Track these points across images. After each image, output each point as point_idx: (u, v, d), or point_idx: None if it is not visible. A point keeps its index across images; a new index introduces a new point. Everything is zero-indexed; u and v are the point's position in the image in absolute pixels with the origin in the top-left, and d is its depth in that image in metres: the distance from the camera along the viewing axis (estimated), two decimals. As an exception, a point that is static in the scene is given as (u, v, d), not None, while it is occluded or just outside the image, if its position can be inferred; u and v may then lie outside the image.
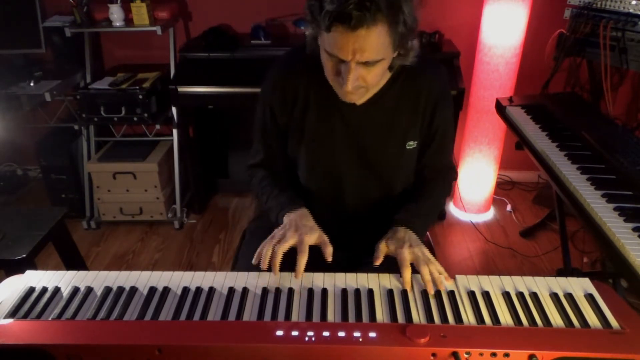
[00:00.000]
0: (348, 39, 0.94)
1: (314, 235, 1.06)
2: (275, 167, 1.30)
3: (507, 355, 0.81)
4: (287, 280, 1.02)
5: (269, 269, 1.02)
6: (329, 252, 1.05)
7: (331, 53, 0.99)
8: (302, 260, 1.01)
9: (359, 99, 1.13)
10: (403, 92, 1.17)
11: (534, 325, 0.89)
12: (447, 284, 1.00)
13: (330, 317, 0.92)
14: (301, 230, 1.06)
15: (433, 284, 0.99)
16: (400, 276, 1.01)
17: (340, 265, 1.06)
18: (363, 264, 1.05)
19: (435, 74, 1.20)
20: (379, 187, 1.27)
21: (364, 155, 1.22)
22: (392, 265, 1.05)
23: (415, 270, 1.02)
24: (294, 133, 1.23)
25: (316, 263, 1.04)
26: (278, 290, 0.98)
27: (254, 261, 1.04)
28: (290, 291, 0.98)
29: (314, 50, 1.06)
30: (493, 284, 1.00)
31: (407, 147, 1.22)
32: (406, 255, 1.04)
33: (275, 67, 1.22)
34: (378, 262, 1.06)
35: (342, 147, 1.20)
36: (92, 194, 2.69)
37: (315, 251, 1.21)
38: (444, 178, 1.31)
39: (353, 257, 1.21)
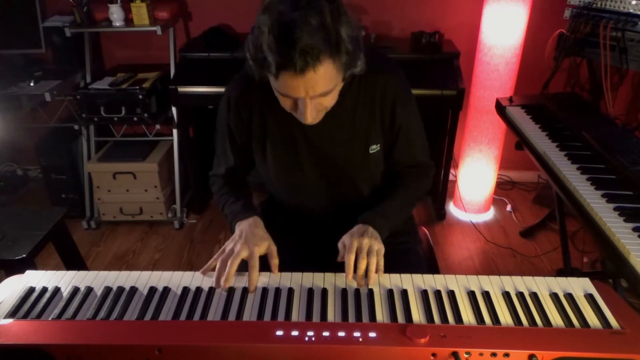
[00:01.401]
0: (297, 81, 0.95)
1: (263, 245, 1.07)
2: (237, 176, 1.31)
3: (507, 355, 0.82)
4: (287, 280, 1.02)
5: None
6: (274, 264, 1.06)
7: (284, 94, 1.01)
8: (254, 275, 1.01)
9: (319, 119, 1.11)
10: (358, 96, 1.15)
11: (534, 325, 0.89)
12: (448, 285, 1.00)
13: (330, 317, 0.92)
14: (250, 242, 1.06)
15: (365, 282, 1.00)
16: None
17: (316, 268, 1.06)
18: (337, 268, 1.05)
19: (389, 72, 1.17)
20: (347, 191, 1.27)
21: (328, 164, 1.22)
22: (392, 265, 1.05)
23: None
24: (256, 149, 1.24)
25: (314, 264, 1.05)
26: (278, 290, 0.98)
27: (201, 272, 1.04)
28: (290, 291, 0.98)
29: (262, 79, 1.05)
30: (493, 284, 1.00)
31: (370, 152, 1.21)
32: (353, 244, 1.04)
33: (229, 89, 1.21)
34: (340, 259, 1.06)
35: (306, 158, 1.20)
36: (92, 194, 2.69)
37: (313, 254, 1.21)
38: (416, 175, 1.28)
39: (327, 260, 1.21)
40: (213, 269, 1.03)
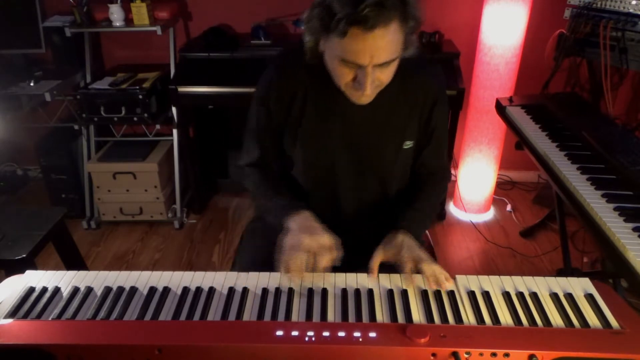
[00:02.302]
0: (365, 42, 0.93)
1: (326, 237, 1.07)
2: (269, 166, 1.30)
3: (507, 355, 0.82)
4: (287, 280, 1.01)
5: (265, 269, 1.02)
6: (335, 258, 1.05)
7: (347, 60, 0.98)
8: (324, 260, 1.02)
9: (372, 99, 1.11)
10: (400, 90, 1.16)
11: (534, 325, 0.89)
12: (447, 285, 1.00)
13: (330, 317, 0.92)
14: (315, 235, 1.06)
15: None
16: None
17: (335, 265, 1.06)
18: (358, 264, 1.05)
19: (433, 73, 1.20)
20: (374, 186, 1.27)
21: (361, 155, 1.22)
22: (392, 265, 1.05)
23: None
24: (291, 132, 1.22)
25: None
26: (278, 290, 0.98)
27: (284, 271, 1.02)
28: (290, 291, 0.98)
29: (314, 58, 1.06)
30: (493, 284, 1.00)
31: (404, 147, 1.22)
32: (405, 259, 1.04)
33: (272, 67, 1.21)
34: (374, 275, 1.04)
35: (339, 147, 1.20)
36: (92, 194, 2.69)
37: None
38: (439, 180, 1.31)
39: (347, 257, 1.21)
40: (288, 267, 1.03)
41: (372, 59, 0.96)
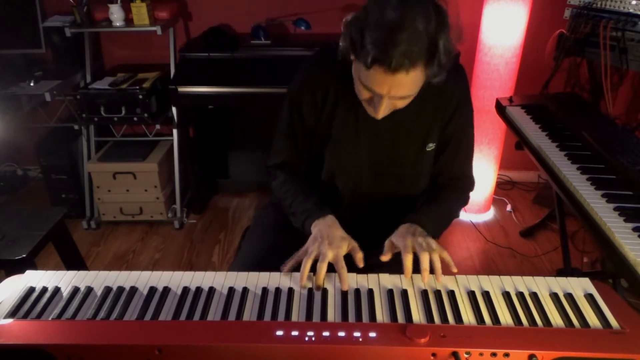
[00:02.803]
0: (385, 79, 0.96)
1: (345, 246, 1.07)
2: (297, 167, 1.30)
3: (507, 355, 0.82)
4: (287, 280, 1.02)
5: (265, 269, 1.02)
6: (359, 257, 1.06)
7: (366, 86, 1.01)
8: (345, 274, 1.00)
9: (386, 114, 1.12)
10: (426, 93, 1.16)
11: (534, 325, 0.89)
12: (448, 285, 1.00)
13: (330, 317, 0.92)
14: (334, 244, 1.05)
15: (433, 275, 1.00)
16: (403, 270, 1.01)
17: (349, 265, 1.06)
18: (371, 265, 1.05)
19: (459, 77, 1.21)
20: (396, 188, 1.28)
21: (384, 153, 1.22)
22: (393, 265, 1.05)
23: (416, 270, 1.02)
24: (320, 134, 1.23)
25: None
26: (278, 290, 0.98)
27: (285, 269, 1.03)
28: (290, 291, 0.98)
29: (345, 60, 1.07)
30: (493, 284, 1.00)
31: (427, 149, 1.22)
32: (408, 242, 1.04)
33: (306, 68, 1.22)
34: (385, 258, 1.06)
35: (364, 142, 1.21)
36: (92, 194, 2.69)
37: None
38: (460, 187, 1.30)
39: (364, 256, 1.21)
40: (296, 269, 1.03)
41: (390, 92, 0.99)
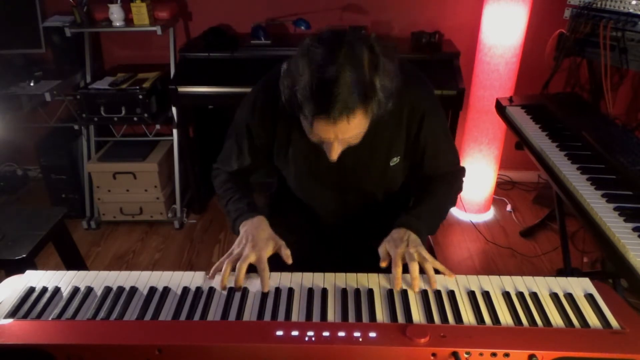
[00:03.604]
0: (329, 129, 0.96)
1: (269, 247, 1.08)
2: (242, 176, 1.31)
3: (507, 355, 0.82)
4: (287, 280, 1.02)
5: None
6: (286, 254, 1.07)
7: (313, 134, 1.02)
8: (266, 276, 1.01)
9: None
10: (383, 117, 1.15)
11: (534, 325, 0.89)
12: (448, 285, 1.00)
13: (330, 317, 0.92)
14: (258, 246, 1.06)
15: (425, 283, 1.00)
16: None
17: (335, 265, 1.07)
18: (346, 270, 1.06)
19: (418, 87, 1.17)
20: (361, 200, 1.29)
21: (347, 173, 1.22)
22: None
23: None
24: (279, 150, 1.23)
25: (314, 264, 1.05)
26: (278, 290, 0.98)
27: (209, 277, 1.03)
28: (290, 291, 0.98)
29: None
30: (493, 284, 1.00)
31: (391, 164, 1.21)
32: (398, 253, 1.04)
33: (256, 94, 1.20)
34: (384, 264, 1.06)
35: (324, 165, 1.17)
36: (92, 194, 2.69)
37: (316, 253, 1.21)
38: (450, 178, 1.30)
39: (333, 264, 1.21)
40: (220, 271, 1.03)
41: (337, 137, 0.99)
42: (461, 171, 1.33)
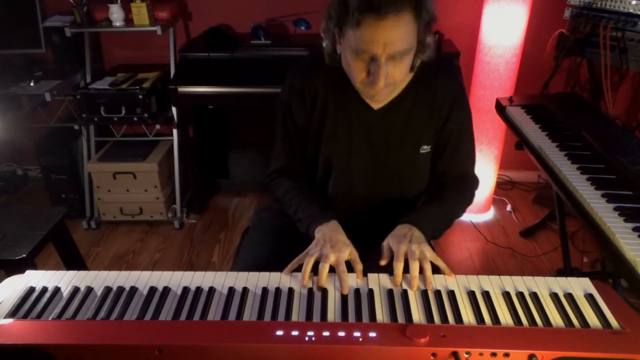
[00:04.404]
0: (377, 30, 0.96)
1: (347, 251, 1.07)
2: (296, 170, 1.31)
3: (507, 355, 0.81)
4: (287, 280, 1.02)
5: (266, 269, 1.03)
6: (359, 269, 1.04)
7: (361, 49, 1.01)
8: (346, 277, 1.00)
9: (386, 98, 1.15)
10: (418, 94, 1.18)
11: (534, 325, 0.89)
12: (448, 285, 1.00)
13: (330, 317, 0.92)
14: (336, 247, 1.06)
15: (423, 283, 1.00)
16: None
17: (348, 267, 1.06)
18: (369, 267, 1.06)
19: (452, 77, 1.22)
20: (390, 189, 1.28)
21: (378, 159, 1.23)
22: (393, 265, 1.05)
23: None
24: (312, 134, 1.24)
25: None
26: (278, 290, 0.98)
27: (284, 273, 1.03)
28: (290, 291, 0.98)
29: (332, 60, 1.09)
30: (493, 284, 1.00)
31: (421, 152, 1.22)
32: (400, 249, 1.04)
33: (294, 71, 1.24)
34: (384, 262, 1.06)
35: (358, 146, 1.22)
36: (92, 194, 2.69)
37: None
38: (462, 186, 1.29)
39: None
40: (296, 270, 1.03)
41: (385, 47, 0.98)
42: (475, 181, 1.33)
